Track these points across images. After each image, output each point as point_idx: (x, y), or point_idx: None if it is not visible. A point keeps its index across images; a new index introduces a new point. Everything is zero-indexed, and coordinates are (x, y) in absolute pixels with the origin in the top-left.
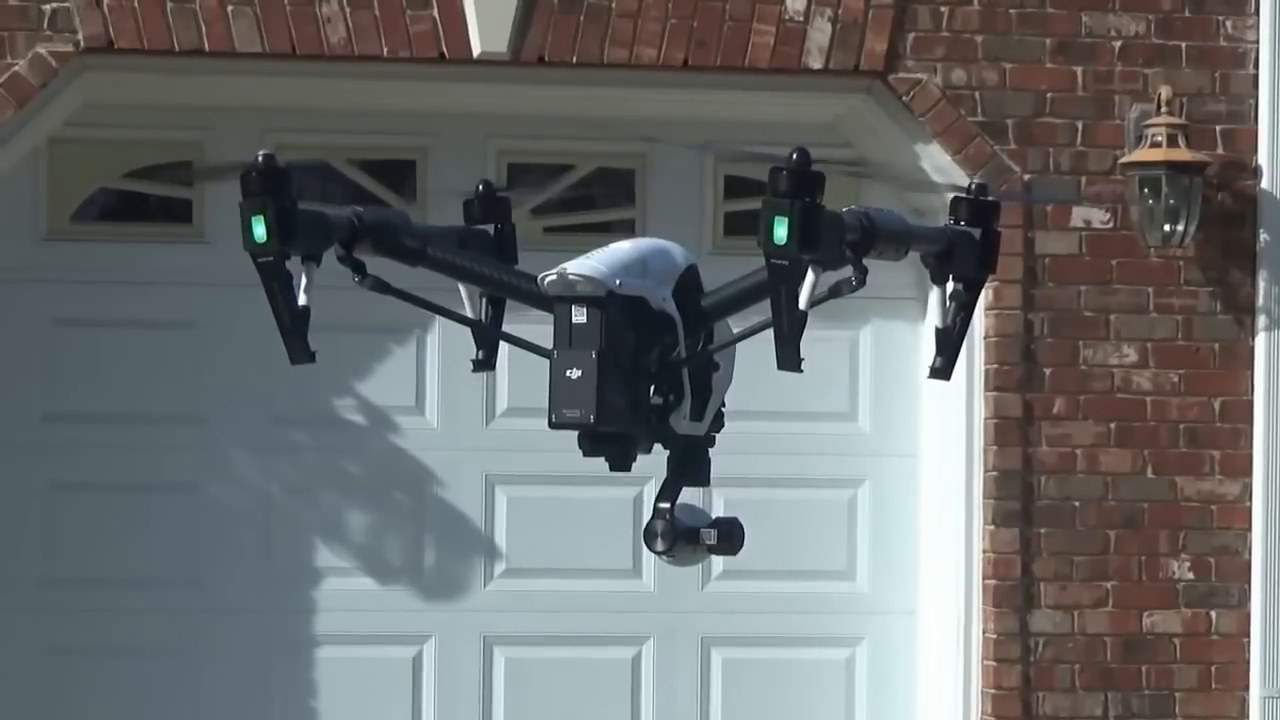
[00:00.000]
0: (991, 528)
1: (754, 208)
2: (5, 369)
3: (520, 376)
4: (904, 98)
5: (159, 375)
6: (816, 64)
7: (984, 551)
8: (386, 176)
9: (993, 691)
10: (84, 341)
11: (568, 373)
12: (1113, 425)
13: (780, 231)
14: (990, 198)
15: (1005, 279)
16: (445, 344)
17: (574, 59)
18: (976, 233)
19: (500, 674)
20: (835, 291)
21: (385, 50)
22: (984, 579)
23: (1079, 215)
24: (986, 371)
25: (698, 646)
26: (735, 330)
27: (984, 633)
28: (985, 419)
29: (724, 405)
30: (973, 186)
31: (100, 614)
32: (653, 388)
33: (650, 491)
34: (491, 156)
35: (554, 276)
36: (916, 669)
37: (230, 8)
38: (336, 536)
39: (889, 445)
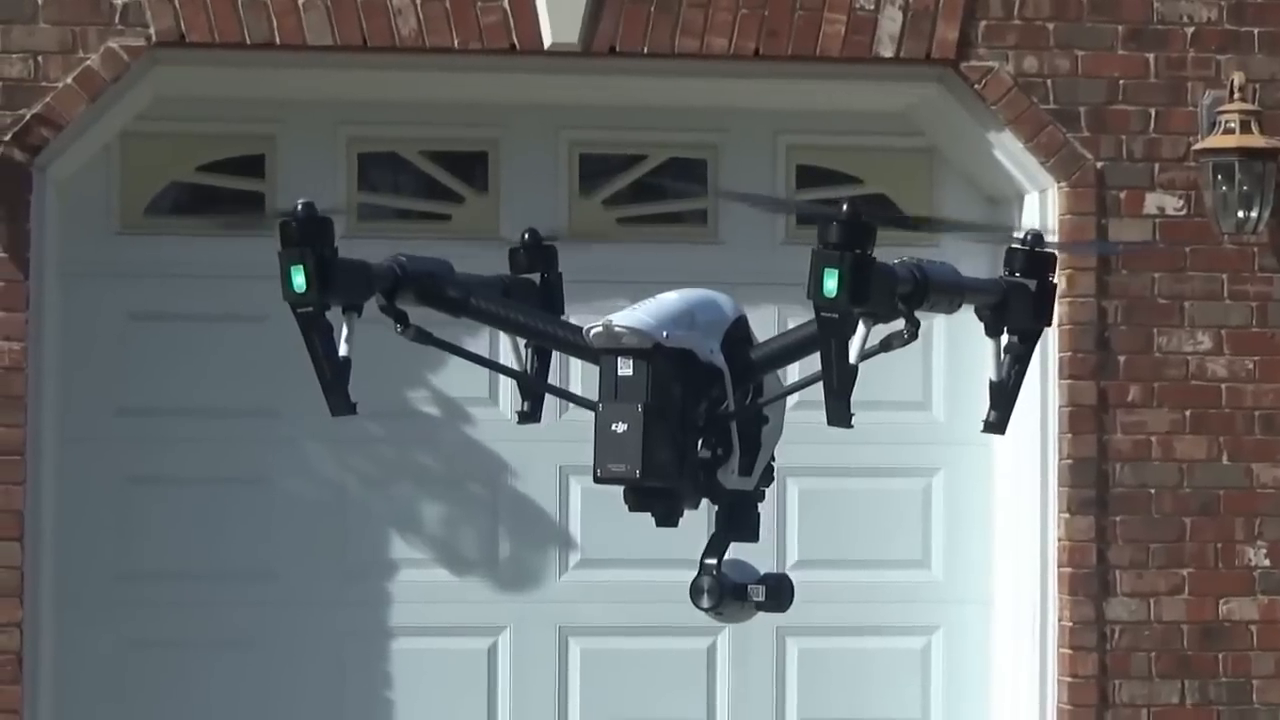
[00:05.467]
0: (1067, 515)
1: (825, 197)
2: (80, 363)
3: (592, 369)
4: (976, 86)
5: (233, 368)
6: (888, 53)
7: (1059, 539)
8: (458, 168)
9: (1069, 679)
10: (158, 335)
11: (613, 426)
12: (1188, 412)
13: (830, 284)
14: (1045, 248)
15: (1079, 266)
16: None
17: (645, 49)
18: (1032, 284)
19: (576, 664)
20: (886, 345)
21: (456, 42)
22: (1059, 567)
23: (1152, 202)
24: (1061, 359)
25: (772, 636)
26: (785, 383)
27: (1060, 621)
28: (1060, 407)
29: (774, 459)
30: (1028, 237)
31: (175, 607)
32: (700, 442)
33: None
34: (563, 147)
35: (600, 328)
36: (992, 657)
37: (301, 0)
38: (411, 528)
39: (963, 433)
